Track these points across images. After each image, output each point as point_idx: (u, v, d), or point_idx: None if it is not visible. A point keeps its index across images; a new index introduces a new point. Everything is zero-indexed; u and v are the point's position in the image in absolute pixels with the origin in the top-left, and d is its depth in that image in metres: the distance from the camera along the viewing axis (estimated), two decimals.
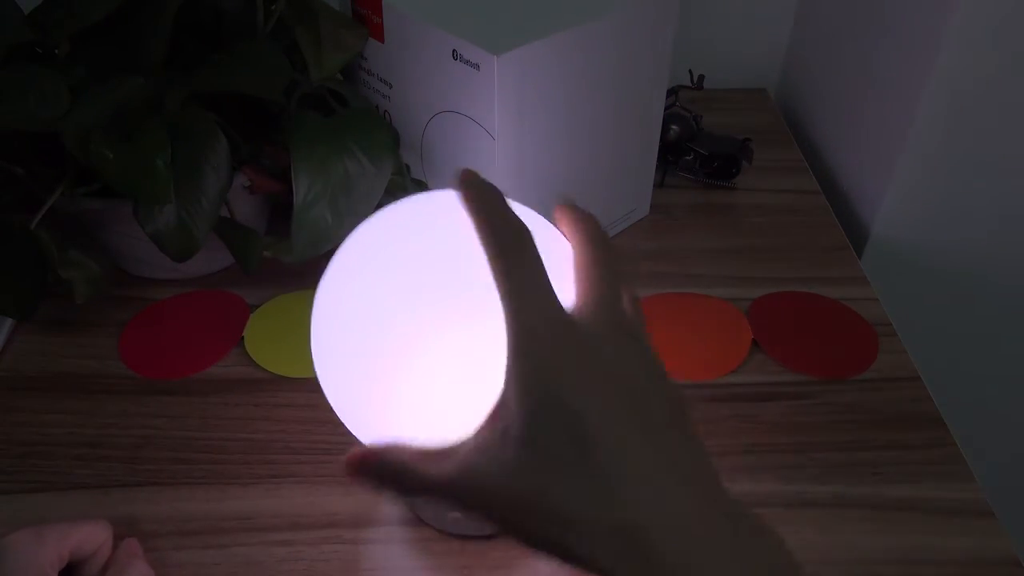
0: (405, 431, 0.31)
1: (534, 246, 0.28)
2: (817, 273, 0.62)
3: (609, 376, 0.27)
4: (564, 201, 0.33)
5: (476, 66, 0.49)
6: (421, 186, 0.60)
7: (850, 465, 0.48)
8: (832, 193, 0.72)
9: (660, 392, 0.28)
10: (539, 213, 0.35)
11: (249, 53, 0.54)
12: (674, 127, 0.70)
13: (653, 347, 0.30)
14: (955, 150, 0.62)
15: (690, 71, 0.73)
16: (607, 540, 0.25)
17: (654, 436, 0.27)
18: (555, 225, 0.34)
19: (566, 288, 0.30)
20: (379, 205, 0.53)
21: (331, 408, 0.50)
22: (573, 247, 0.32)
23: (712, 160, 0.70)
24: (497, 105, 0.49)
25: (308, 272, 0.56)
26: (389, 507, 0.46)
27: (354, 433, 0.36)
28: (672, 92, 0.71)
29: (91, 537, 0.40)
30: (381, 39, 0.56)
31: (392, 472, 0.29)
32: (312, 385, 0.53)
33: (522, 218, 0.29)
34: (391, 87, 0.58)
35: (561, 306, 0.28)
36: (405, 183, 0.58)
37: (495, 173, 0.52)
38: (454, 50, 0.50)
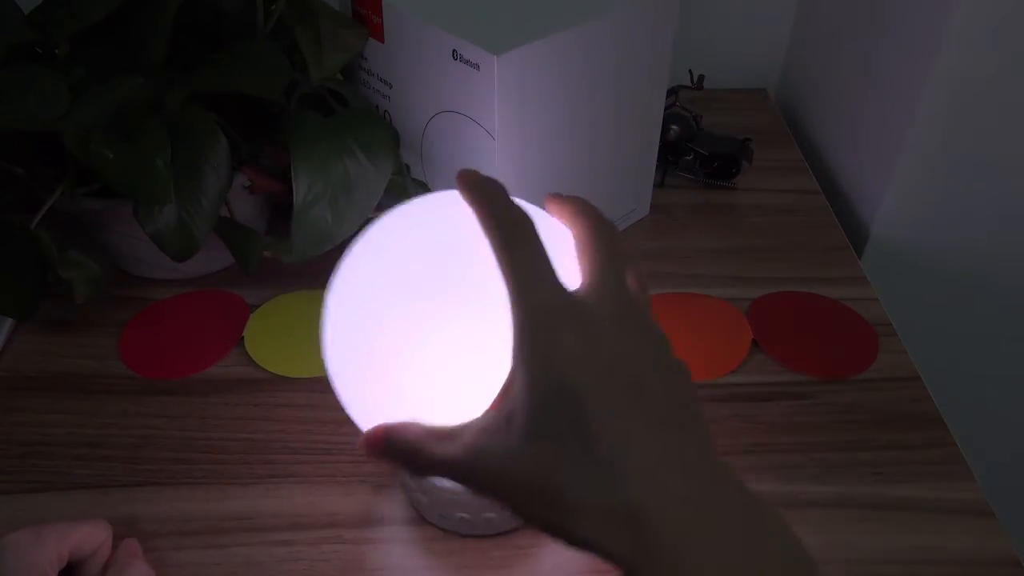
0: (416, 415, 0.32)
1: (536, 233, 0.29)
2: (817, 273, 0.62)
3: (614, 359, 0.27)
4: (552, 194, 0.34)
5: (476, 66, 0.49)
6: (421, 186, 0.60)
7: (850, 465, 0.48)
8: (832, 193, 0.72)
9: (665, 373, 0.29)
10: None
11: (249, 53, 0.54)
12: (674, 127, 0.70)
13: (658, 325, 0.30)
14: (955, 150, 0.62)
15: (690, 71, 0.73)
16: (607, 524, 0.25)
17: (657, 419, 0.27)
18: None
19: (570, 274, 0.30)
20: (379, 205, 0.53)
21: (331, 408, 0.50)
22: (574, 231, 0.32)
23: (712, 160, 0.70)
24: (497, 105, 0.49)
25: (308, 272, 0.57)
26: (390, 507, 0.46)
27: (362, 424, 0.36)
28: (672, 92, 0.71)
29: (90, 537, 0.40)
30: (381, 39, 0.56)
31: (402, 450, 0.30)
32: (312, 385, 0.53)
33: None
34: (391, 87, 0.58)
35: (566, 290, 0.28)
36: (405, 183, 0.58)
37: (495, 173, 0.52)
38: (454, 50, 0.50)
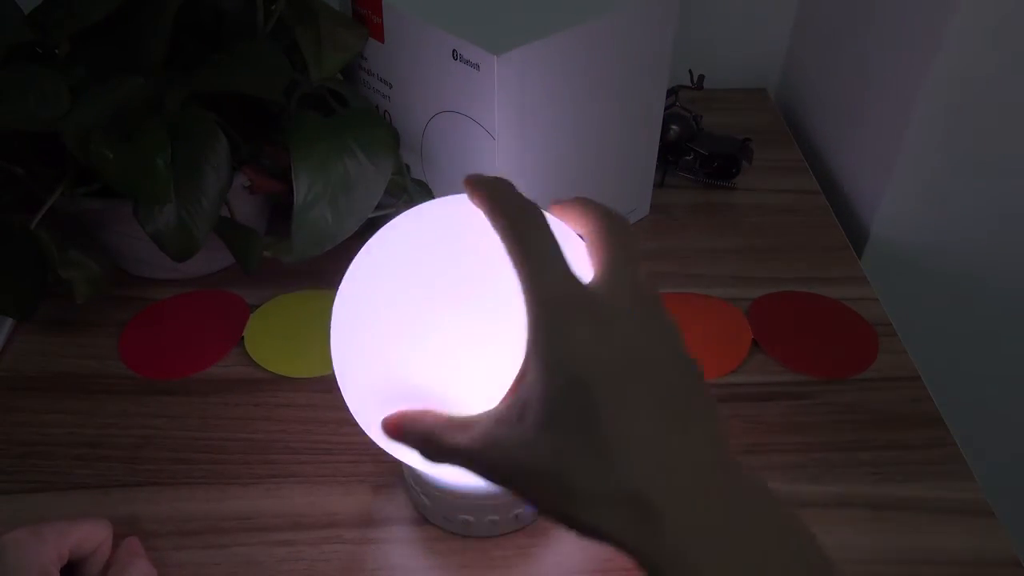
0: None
1: (547, 224, 0.29)
2: (817, 273, 0.62)
3: (628, 351, 0.27)
4: (555, 200, 0.34)
5: (476, 66, 0.49)
6: (421, 186, 0.60)
7: (850, 465, 0.48)
8: (832, 193, 0.72)
9: (679, 366, 0.29)
10: None
11: (249, 53, 0.54)
12: (674, 127, 0.70)
13: (672, 319, 0.30)
14: (955, 150, 0.62)
15: (690, 71, 0.73)
16: (615, 512, 0.26)
17: (668, 408, 0.27)
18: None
19: (583, 271, 0.31)
20: (379, 205, 0.53)
21: (331, 408, 0.50)
22: (585, 229, 0.32)
23: (712, 160, 0.70)
24: (497, 105, 0.49)
25: (308, 272, 0.57)
26: (390, 507, 0.46)
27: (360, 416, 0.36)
28: (672, 92, 0.71)
29: (91, 535, 0.40)
30: (381, 39, 0.56)
31: (418, 435, 0.31)
32: (313, 385, 0.53)
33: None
34: (391, 87, 0.58)
35: (579, 281, 0.28)
36: (405, 183, 0.58)
37: (495, 173, 0.52)
38: (454, 50, 0.50)
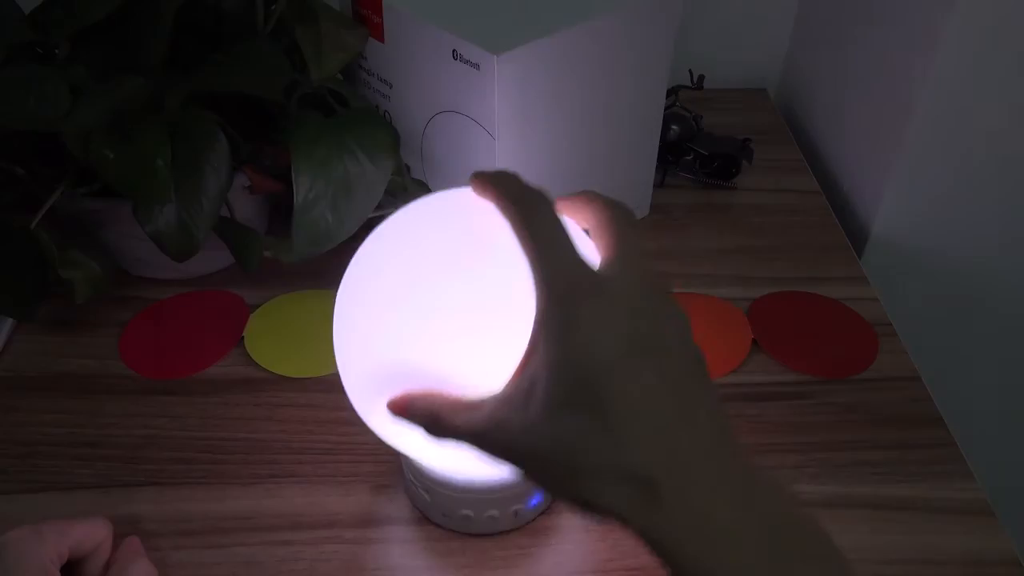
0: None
1: (554, 209, 0.30)
2: (817, 273, 0.62)
3: (634, 336, 0.28)
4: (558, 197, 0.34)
5: (476, 66, 0.49)
6: (421, 186, 0.60)
7: (850, 465, 0.48)
8: (832, 193, 0.72)
9: (685, 347, 0.29)
10: None
11: (249, 53, 0.54)
12: (674, 127, 0.70)
13: (679, 305, 0.30)
14: (955, 150, 0.62)
15: (690, 71, 0.73)
16: (622, 491, 0.26)
17: (676, 391, 0.27)
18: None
19: (590, 256, 0.31)
20: (379, 205, 0.53)
21: (331, 408, 0.50)
22: (590, 219, 0.33)
23: (712, 160, 0.70)
24: (497, 105, 0.49)
25: (308, 272, 0.57)
26: (390, 507, 0.46)
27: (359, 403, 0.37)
28: (672, 92, 0.71)
29: (91, 534, 0.40)
30: (381, 39, 0.56)
31: (425, 416, 0.31)
32: (313, 385, 0.53)
33: None
34: (391, 87, 0.58)
35: (588, 265, 0.29)
36: (405, 183, 0.58)
37: None
38: (454, 50, 0.50)
